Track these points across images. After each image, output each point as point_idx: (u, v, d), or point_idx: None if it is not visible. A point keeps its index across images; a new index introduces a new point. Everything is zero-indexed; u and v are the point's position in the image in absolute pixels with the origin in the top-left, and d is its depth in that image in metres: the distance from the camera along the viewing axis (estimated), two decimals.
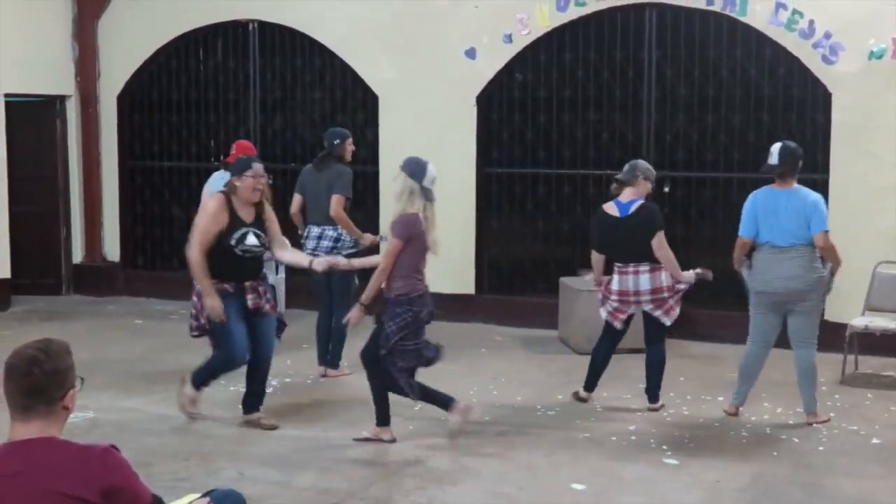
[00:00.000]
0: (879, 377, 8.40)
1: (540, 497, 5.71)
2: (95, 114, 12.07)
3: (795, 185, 7.01)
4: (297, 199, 8.45)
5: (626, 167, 7.48)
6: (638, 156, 9.81)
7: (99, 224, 12.16)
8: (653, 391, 7.43)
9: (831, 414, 7.25)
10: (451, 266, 10.56)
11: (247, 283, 6.77)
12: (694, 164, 9.91)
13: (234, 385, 7.42)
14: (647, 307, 7.31)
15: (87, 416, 7.04)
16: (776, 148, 7.02)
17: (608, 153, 10.08)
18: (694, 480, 6.00)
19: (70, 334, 9.39)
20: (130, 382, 8.00)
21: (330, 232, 8.13)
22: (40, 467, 2.99)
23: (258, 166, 6.77)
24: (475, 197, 10.52)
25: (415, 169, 6.39)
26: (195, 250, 6.63)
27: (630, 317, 7.44)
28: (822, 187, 9.14)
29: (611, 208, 7.40)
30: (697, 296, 9.62)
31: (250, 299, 6.75)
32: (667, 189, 9.95)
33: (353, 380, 8.05)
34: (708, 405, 7.53)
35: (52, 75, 11.77)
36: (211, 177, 8.98)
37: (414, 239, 6.33)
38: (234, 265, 6.70)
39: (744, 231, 7.08)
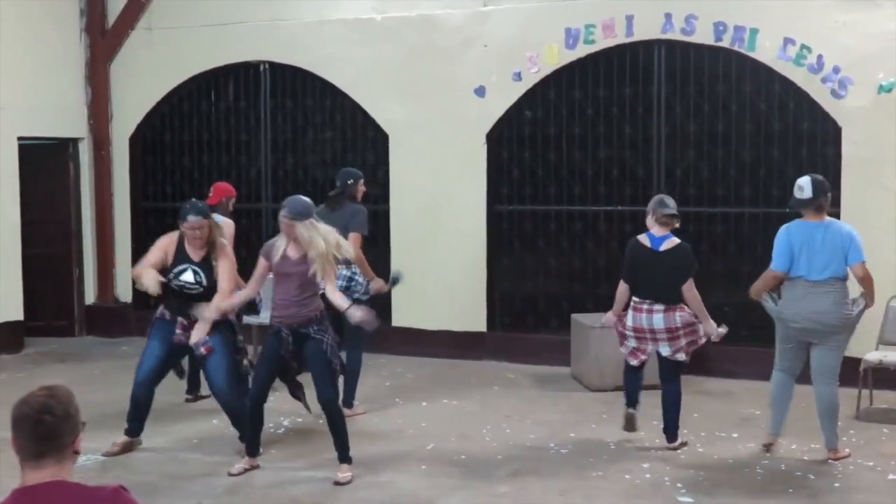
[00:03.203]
0: (895, 412, 8.33)
1: None
2: (108, 156, 12.15)
3: (827, 217, 7.00)
4: None
5: (673, 202, 7.34)
6: (648, 192, 9.85)
7: (111, 265, 12.20)
8: (671, 430, 7.34)
9: (847, 450, 7.19)
10: (463, 303, 10.59)
11: (180, 319, 7.11)
12: (705, 199, 9.89)
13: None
14: (664, 348, 7.18)
15: (99, 459, 7.03)
16: (806, 181, 6.95)
17: (619, 190, 10.10)
18: None
19: (83, 376, 9.47)
20: None
21: (343, 272, 8.06)
22: None
23: (193, 219, 7.00)
24: (486, 234, 10.53)
25: (306, 208, 6.57)
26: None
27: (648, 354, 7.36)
28: None
29: (644, 240, 7.30)
30: None
31: (178, 334, 7.11)
32: (678, 225, 9.92)
33: (367, 419, 8.05)
34: (723, 442, 7.47)
35: (65, 118, 11.87)
36: None
37: None
38: (173, 297, 7.13)
39: (779, 265, 6.99)
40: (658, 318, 7.14)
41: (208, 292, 7.04)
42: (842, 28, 9.08)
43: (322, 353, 6.55)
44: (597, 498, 6.32)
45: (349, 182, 8.28)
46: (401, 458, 7.17)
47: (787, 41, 9.22)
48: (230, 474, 6.74)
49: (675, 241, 7.25)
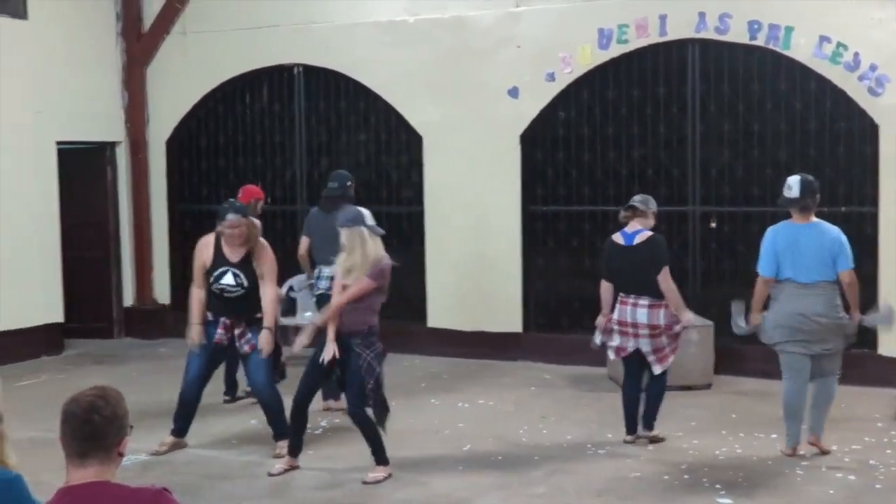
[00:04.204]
0: None
1: None
2: (145, 159, 12.25)
3: (814, 218, 6.96)
4: (304, 242, 8.67)
5: (640, 197, 7.49)
6: (684, 192, 9.83)
7: (149, 267, 12.30)
8: (647, 419, 7.44)
9: (834, 447, 7.13)
10: (498, 304, 10.59)
11: (223, 319, 7.10)
12: (740, 198, 9.84)
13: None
14: (644, 344, 7.27)
15: (139, 459, 7.10)
16: (795, 181, 6.95)
17: (654, 190, 10.01)
18: None
19: (122, 377, 9.55)
20: None
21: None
22: None
23: (232, 217, 6.99)
24: (520, 235, 10.53)
25: (356, 216, 6.55)
26: (193, 285, 7.31)
27: (637, 351, 7.37)
28: (871, 220, 9.08)
29: (617, 237, 7.43)
30: None
31: (217, 334, 7.11)
32: (713, 224, 9.90)
33: (404, 419, 8.07)
34: (760, 442, 7.44)
35: (102, 122, 11.98)
36: None
37: (385, 282, 6.60)
38: (214, 299, 7.14)
39: (767, 270, 6.95)
40: (642, 312, 7.24)
41: (249, 294, 7.07)
42: (878, 25, 9.00)
43: (357, 368, 6.56)
44: (634, 499, 6.31)
45: (348, 184, 8.47)
46: (438, 459, 7.20)
47: (823, 39, 9.16)
48: (270, 475, 6.79)
49: (648, 234, 7.35)
